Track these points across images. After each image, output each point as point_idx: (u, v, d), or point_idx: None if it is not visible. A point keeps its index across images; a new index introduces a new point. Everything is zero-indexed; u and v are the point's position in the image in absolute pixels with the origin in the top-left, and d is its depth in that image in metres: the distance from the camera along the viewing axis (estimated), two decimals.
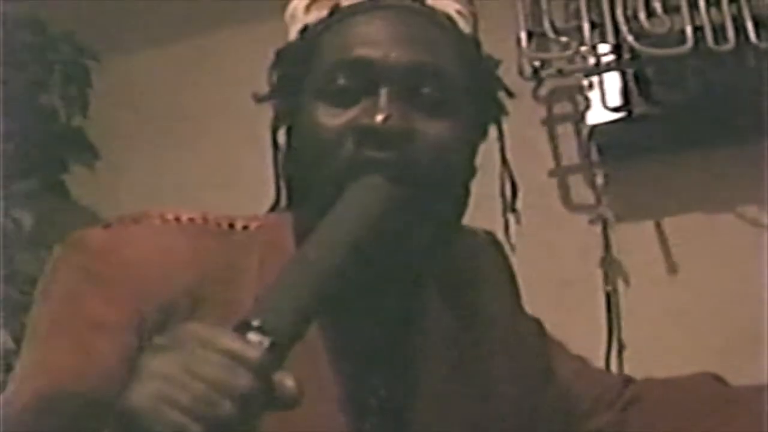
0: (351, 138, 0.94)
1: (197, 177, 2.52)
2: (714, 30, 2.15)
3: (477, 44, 1.04)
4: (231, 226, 1.02)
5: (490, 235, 1.17)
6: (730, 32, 2.14)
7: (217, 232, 1.01)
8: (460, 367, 1.04)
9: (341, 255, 0.81)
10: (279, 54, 1.04)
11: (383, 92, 0.94)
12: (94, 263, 0.96)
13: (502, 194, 1.09)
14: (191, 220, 1.01)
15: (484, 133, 1.05)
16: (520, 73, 2.28)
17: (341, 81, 0.96)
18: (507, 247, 1.13)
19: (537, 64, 2.32)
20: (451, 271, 1.08)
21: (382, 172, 0.91)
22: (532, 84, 2.36)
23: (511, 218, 1.10)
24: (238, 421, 0.70)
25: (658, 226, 2.31)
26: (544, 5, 2.30)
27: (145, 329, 0.91)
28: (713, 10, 2.16)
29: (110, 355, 0.89)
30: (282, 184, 1.06)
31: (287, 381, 0.73)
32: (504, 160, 1.08)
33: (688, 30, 2.16)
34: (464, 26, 1.03)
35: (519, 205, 1.10)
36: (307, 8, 1.03)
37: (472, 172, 1.02)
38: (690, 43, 2.15)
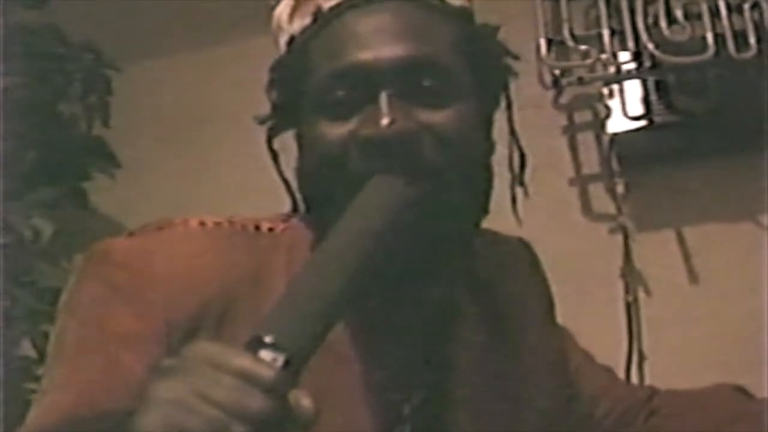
0: (357, 150, 0.91)
1: (218, 185, 2.51)
2: (735, 37, 2.14)
3: (470, 15, 1.01)
4: (257, 228, 1.00)
5: (524, 244, 1.14)
6: (752, 39, 2.13)
7: (244, 235, 0.99)
8: (493, 376, 1.02)
9: (356, 259, 0.76)
10: (272, 71, 1.02)
11: (383, 96, 0.91)
12: (119, 275, 0.94)
13: (510, 167, 1.05)
14: (217, 224, 0.99)
15: (495, 102, 1.02)
16: (541, 81, 2.28)
17: (338, 93, 0.93)
18: (515, 222, 1.06)
19: (557, 72, 2.31)
20: (484, 278, 1.07)
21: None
22: (552, 93, 2.35)
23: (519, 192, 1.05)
24: None
25: (679, 235, 2.29)
26: (563, 13, 2.30)
27: (174, 340, 0.89)
28: (735, 17, 2.15)
29: (139, 369, 0.87)
30: (294, 191, 1.03)
31: (303, 401, 0.69)
32: (512, 130, 1.04)
33: (709, 37, 2.15)
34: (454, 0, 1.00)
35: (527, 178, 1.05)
36: (290, 17, 1.00)
37: (489, 148, 0.99)
38: (711, 50, 2.14)
